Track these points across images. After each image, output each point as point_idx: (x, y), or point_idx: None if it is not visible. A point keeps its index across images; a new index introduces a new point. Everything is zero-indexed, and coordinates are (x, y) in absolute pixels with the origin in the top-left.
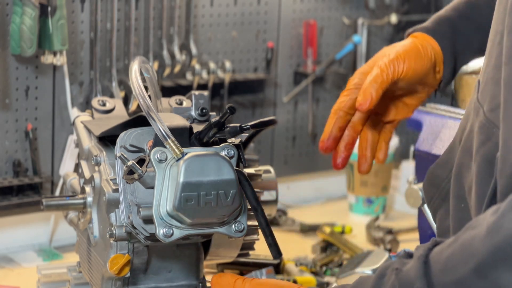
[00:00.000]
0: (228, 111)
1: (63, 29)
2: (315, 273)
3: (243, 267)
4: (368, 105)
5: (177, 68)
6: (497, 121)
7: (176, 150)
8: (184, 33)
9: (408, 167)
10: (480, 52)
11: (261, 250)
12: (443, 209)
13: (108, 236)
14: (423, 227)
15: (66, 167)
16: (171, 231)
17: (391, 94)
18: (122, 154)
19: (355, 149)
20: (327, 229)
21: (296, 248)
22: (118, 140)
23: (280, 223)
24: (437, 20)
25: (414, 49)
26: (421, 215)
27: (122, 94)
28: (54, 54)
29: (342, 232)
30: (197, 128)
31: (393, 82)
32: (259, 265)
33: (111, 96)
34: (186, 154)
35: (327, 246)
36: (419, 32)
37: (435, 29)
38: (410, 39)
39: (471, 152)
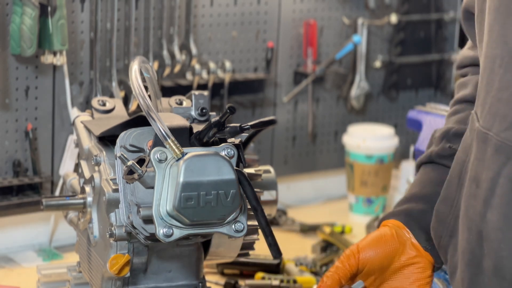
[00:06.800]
0: (228, 111)
1: (63, 29)
2: (315, 273)
3: (243, 267)
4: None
5: (177, 68)
6: None
7: (176, 150)
8: (184, 33)
9: (408, 167)
10: None
11: (261, 250)
12: (452, 246)
13: (108, 236)
14: None
15: (66, 167)
16: (171, 231)
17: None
18: (122, 154)
19: (355, 149)
20: (327, 229)
21: (296, 248)
22: (118, 140)
23: (280, 223)
24: (404, 201)
25: (376, 238)
26: None
27: (122, 94)
28: (54, 54)
29: (342, 232)
30: (197, 128)
31: (353, 273)
32: (259, 265)
33: (111, 96)
34: (186, 154)
35: (327, 246)
36: (387, 219)
37: (399, 212)
38: (380, 228)
39: (478, 180)
